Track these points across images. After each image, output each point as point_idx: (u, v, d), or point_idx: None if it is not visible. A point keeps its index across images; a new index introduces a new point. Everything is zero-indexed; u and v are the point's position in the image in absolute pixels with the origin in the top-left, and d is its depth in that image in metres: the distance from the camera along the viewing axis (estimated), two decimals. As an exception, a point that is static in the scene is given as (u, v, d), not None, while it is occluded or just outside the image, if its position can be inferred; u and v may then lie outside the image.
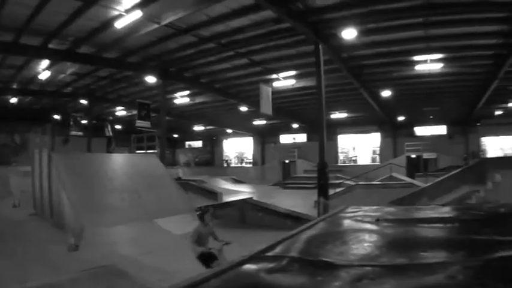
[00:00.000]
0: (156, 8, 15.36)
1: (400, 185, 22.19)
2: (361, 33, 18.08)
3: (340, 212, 5.10)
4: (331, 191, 20.85)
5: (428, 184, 19.55)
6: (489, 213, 4.80)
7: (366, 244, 3.18)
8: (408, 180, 25.29)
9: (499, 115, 40.49)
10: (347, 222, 4.30)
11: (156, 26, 16.69)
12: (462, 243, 3.10)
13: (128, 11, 15.25)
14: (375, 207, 5.75)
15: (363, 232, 3.64)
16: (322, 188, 16.94)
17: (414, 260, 2.46)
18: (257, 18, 17.11)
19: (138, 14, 15.11)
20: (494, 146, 44.60)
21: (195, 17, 16.81)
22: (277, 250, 3.02)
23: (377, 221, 4.16)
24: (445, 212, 5.26)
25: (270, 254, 2.92)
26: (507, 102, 35.68)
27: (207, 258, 7.70)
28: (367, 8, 16.33)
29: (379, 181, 25.21)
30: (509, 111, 38.60)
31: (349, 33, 17.63)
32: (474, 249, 2.77)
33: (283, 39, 19.39)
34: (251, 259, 2.79)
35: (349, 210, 5.29)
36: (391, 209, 5.74)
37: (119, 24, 16.01)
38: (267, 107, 20.95)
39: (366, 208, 5.53)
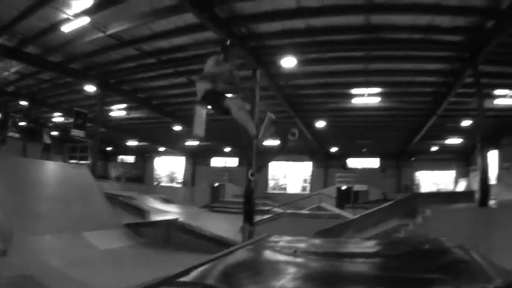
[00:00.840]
0: (104, 16, 15.06)
1: (328, 215, 22.24)
2: (301, 62, 18.27)
3: (261, 240, 5.10)
4: (258, 218, 20.83)
5: (356, 216, 19.76)
6: (414, 249, 4.88)
7: (280, 276, 3.17)
8: (336, 211, 25.32)
9: (435, 151, 41.67)
10: (266, 252, 4.31)
11: (101, 34, 16.37)
12: (383, 279, 3.13)
13: (76, 16, 14.88)
14: (296, 237, 5.78)
15: (280, 264, 3.64)
16: (248, 214, 16.84)
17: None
18: (200, 38, 17.07)
19: (85, 20, 14.79)
20: (428, 180, 45.70)
21: (139, 30, 16.64)
22: (192, 276, 2.98)
23: (295, 252, 4.18)
24: (369, 246, 5.32)
25: (183, 279, 2.89)
26: (443, 139, 36.60)
27: (215, 98, 7.20)
28: (310, 38, 16.60)
29: (307, 211, 25.23)
30: (445, 147, 39.70)
31: (289, 62, 17.85)
32: (394, 286, 2.80)
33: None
34: (163, 283, 2.75)
35: (271, 239, 5.30)
36: (314, 241, 5.78)
37: (66, 28, 15.63)
38: (200, 128, 20.76)
39: (288, 238, 5.55)
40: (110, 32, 16.23)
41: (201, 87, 7.10)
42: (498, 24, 14.61)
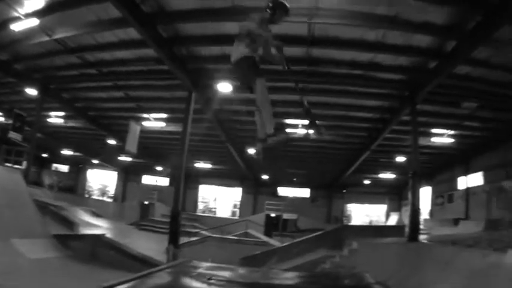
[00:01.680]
0: (52, 20, 14.75)
1: (254, 242, 22.03)
2: (237, 88, 18.14)
3: (180, 264, 5.10)
4: (185, 239, 20.68)
5: (283, 244, 19.80)
6: (334, 283, 4.95)
7: None
8: (263, 238, 25.30)
9: (367, 184, 42.36)
10: (181, 278, 4.31)
11: (47, 38, 15.94)
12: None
13: (26, 16, 14.46)
14: (216, 264, 5.79)
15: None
16: (173, 235, 16.72)
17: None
18: (141, 54, 17.06)
19: (35, 21, 14.44)
20: (360, 213, 46.43)
21: (84, 39, 16.40)
22: None
23: (209, 280, 4.20)
24: (288, 278, 5.37)
25: None
26: (377, 173, 37.59)
27: (247, 68, 6.31)
28: None
29: (234, 236, 24.98)
30: (378, 181, 40.81)
31: (225, 87, 17.99)
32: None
33: (161, 80, 19.44)
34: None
35: (190, 264, 5.30)
36: (233, 269, 5.80)
37: (16, 27, 15.14)
38: (132, 145, 20.66)
39: (207, 265, 5.57)
40: (56, 36, 15.92)
41: (238, 50, 6.37)
42: (441, 66, 15.28)
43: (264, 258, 17.15)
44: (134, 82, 20.36)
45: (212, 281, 4.18)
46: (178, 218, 17.14)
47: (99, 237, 15.49)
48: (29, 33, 15.79)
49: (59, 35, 15.83)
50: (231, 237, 24.15)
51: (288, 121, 22.80)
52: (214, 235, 25.09)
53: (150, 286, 3.63)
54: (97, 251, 14.48)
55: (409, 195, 17.72)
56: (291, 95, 19.24)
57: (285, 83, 17.88)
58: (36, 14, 14.32)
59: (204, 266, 5.22)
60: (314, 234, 20.39)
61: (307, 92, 19.00)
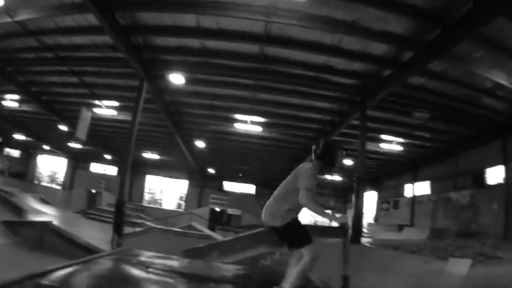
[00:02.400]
0: (16, 1, 14.44)
1: (198, 235, 22.12)
2: (190, 81, 18.35)
3: (121, 252, 5.23)
4: (130, 230, 20.65)
5: (226, 239, 19.88)
6: (271, 278, 5.13)
7: None
8: (207, 231, 25.35)
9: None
10: (121, 265, 4.45)
11: (8, 19, 15.42)
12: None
13: None
14: (156, 254, 5.95)
15: (129, 277, 3.81)
16: (118, 225, 16.46)
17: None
18: (98, 40, 16.77)
19: (0, 2, 14.04)
20: (305, 212, 46.40)
21: (45, 22, 15.98)
22: (46, 278, 3.10)
23: (147, 268, 4.36)
24: (225, 269, 5.54)
25: (35, 280, 3.00)
26: (323, 174, 37.25)
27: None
28: (202, 59, 16.74)
29: (178, 228, 25.02)
30: (323, 183, 40.11)
31: (177, 79, 17.83)
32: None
33: (115, 68, 19.19)
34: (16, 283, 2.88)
35: (131, 252, 5.44)
36: (172, 259, 5.96)
37: None
38: (82, 131, 20.34)
39: (148, 254, 5.74)
40: (17, 18, 15.44)
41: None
42: (395, 75, 15.56)
43: (206, 251, 17.20)
44: (89, 68, 20.02)
45: (150, 269, 4.33)
46: (123, 207, 16.74)
47: (46, 225, 15.34)
48: (-8, 14, 15.56)
49: (21, 16, 15.42)
50: (174, 229, 24.17)
51: (238, 116, 23.05)
52: (158, 226, 25.15)
53: (89, 272, 3.76)
54: (44, 239, 14.36)
55: (353, 199, 17.80)
56: (241, 90, 19.64)
57: (237, 79, 18.34)
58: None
59: (144, 255, 5.36)
60: (256, 230, 20.50)
61: (258, 89, 19.28)
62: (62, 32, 16.53)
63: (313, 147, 5.62)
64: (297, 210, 5.44)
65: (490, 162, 22.98)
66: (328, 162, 5.51)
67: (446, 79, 16.08)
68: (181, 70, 17.42)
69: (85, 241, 14.07)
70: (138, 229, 22.98)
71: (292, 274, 5.08)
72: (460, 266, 8.48)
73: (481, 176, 23.88)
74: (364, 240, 18.76)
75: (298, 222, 5.42)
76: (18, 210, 20.65)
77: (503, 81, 14.89)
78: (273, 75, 17.48)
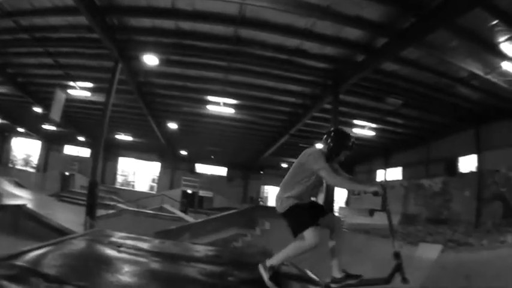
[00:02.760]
0: None
1: (170, 217, 22.04)
2: (163, 62, 18.20)
3: (93, 233, 5.33)
4: (103, 212, 20.63)
5: (197, 221, 19.96)
6: (239, 258, 5.25)
7: (95, 266, 3.46)
8: (179, 213, 25.29)
9: (285, 168, 41.60)
10: (94, 244, 4.55)
11: None
12: (191, 281, 3.44)
13: None
14: (128, 234, 6.04)
15: (101, 256, 3.92)
16: (91, 207, 16.29)
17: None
18: (73, 21, 16.47)
19: None
20: (275, 195, 46.47)
21: (21, 3, 15.62)
22: (19, 259, 3.19)
23: (119, 247, 4.48)
24: (194, 250, 5.66)
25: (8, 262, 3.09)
26: (295, 157, 37.10)
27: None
28: (176, 40, 16.67)
29: (150, 210, 24.99)
30: None
31: (151, 60, 17.63)
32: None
33: (90, 48, 18.90)
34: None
35: (104, 233, 5.54)
36: (143, 240, 6.07)
37: None
38: (57, 113, 20.05)
39: (119, 234, 5.81)
40: None
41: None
42: (368, 60, 15.64)
43: (178, 233, 17.33)
44: (64, 49, 19.66)
45: (122, 249, 4.44)
46: (95, 189, 16.63)
47: (20, 208, 15.28)
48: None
49: (-1, -1, 15.41)
50: (146, 211, 24.09)
51: (210, 98, 22.90)
52: (130, 208, 25.00)
53: (62, 253, 3.84)
54: (18, 222, 14.33)
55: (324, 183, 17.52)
56: (214, 72, 19.55)
57: (210, 61, 18.22)
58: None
59: (116, 236, 5.46)
60: (228, 212, 20.55)
61: (230, 71, 19.18)
62: (38, 12, 16.20)
63: (325, 135, 5.55)
64: (300, 196, 5.30)
65: (463, 150, 23.43)
66: (335, 151, 5.47)
67: (421, 67, 16.23)
68: (155, 51, 17.26)
69: (58, 224, 14.10)
70: (110, 211, 23.00)
71: (282, 251, 5.12)
72: (430, 252, 8.61)
73: (453, 164, 24.30)
74: None
75: (298, 208, 5.19)
76: (-8, 193, 20.55)
77: (478, 71, 15.16)
78: (246, 57, 17.41)
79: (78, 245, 4.47)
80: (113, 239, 5.13)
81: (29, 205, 16.69)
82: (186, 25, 15.47)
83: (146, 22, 15.79)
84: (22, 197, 25.06)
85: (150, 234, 14.70)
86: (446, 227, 17.76)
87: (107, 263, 3.69)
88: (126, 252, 4.34)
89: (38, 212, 15.29)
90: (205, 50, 17.15)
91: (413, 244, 9.67)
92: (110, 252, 4.22)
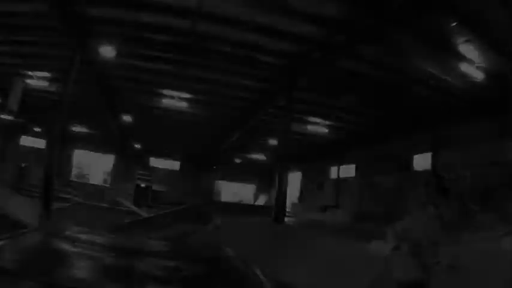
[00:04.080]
0: None
1: (124, 211, 22.05)
2: (120, 54, 17.66)
3: (47, 227, 5.32)
4: (60, 205, 20.34)
5: (150, 215, 19.90)
6: (195, 253, 5.30)
7: (50, 261, 3.47)
8: (133, 208, 25.34)
9: (239, 163, 42.43)
10: (48, 240, 4.56)
11: None
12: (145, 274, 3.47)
13: None
14: (81, 228, 6.04)
15: (56, 251, 3.94)
16: (46, 200, 15.94)
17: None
18: (34, 8, 15.40)
19: None
20: (229, 190, 46.52)
21: None
22: None
23: (74, 242, 4.51)
24: (148, 244, 5.69)
25: None
26: (248, 153, 37.61)
27: None
28: (133, 32, 16.26)
29: (104, 204, 24.87)
30: (248, 161, 40.83)
31: (108, 51, 17.19)
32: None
33: (50, 37, 18.06)
34: None
35: (57, 227, 5.55)
36: (97, 234, 6.09)
37: None
38: (14, 102, 19.68)
39: (74, 229, 5.83)
40: None
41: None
42: (323, 57, 15.39)
43: (132, 227, 17.30)
44: (23, 37, 18.78)
45: (77, 244, 4.46)
46: (51, 182, 15.97)
47: None
48: None
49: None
50: (102, 204, 23.86)
51: (166, 92, 22.78)
52: (86, 202, 24.82)
53: (16, 247, 3.83)
54: None
55: (276, 179, 17.52)
56: (170, 65, 19.15)
57: (166, 54, 17.89)
58: None
59: (71, 230, 5.46)
60: (180, 207, 20.48)
61: (185, 65, 18.83)
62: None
63: None
64: None
65: (418, 148, 23.54)
66: None
67: (378, 65, 16.11)
68: (113, 42, 16.80)
69: (14, 217, 13.89)
70: (66, 204, 22.66)
71: None
72: (381, 249, 8.64)
73: (407, 162, 24.36)
74: (288, 220, 18.84)
75: None
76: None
77: (436, 72, 15.55)
78: (203, 52, 17.09)
79: (34, 238, 4.45)
80: (68, 233, 5.12)
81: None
82: (145, 16, 15.01)
83: (108, 12, 15.23)
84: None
85: (104, 228, 14.68)
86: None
87: (62, 258, 3.68)
88: (81, 247, 4.34)
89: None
90: (162, 43, 16.82)
91: (365, 241, 9.79)
92: (65, 247, 4.21)
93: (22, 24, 17.50)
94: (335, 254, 8.63)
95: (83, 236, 5.20)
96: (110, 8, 14.86)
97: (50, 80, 23.11)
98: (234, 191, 47.19)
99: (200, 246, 10.16)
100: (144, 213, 22.52)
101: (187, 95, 22.99)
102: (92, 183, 44.38)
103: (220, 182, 47.08)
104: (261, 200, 39.86)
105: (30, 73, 22.71)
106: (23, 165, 41.14)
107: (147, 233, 16.55)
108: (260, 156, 37.97)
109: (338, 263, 7.95)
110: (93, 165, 46.86)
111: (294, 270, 8.29)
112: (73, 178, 44.60)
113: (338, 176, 32.34)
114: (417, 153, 23.77)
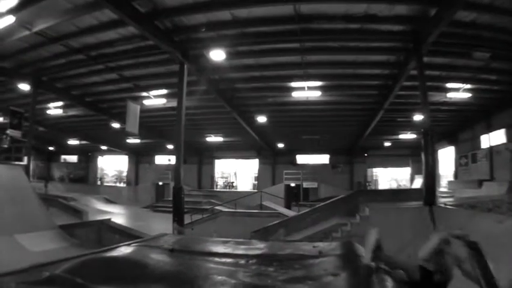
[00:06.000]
0: (28, 14, 15.11)
1: (267, 214, 22.40)
2: (231, 55, 18.37)
3: (152, 239, 5.60)
4: (199, 217, 21.27)
5: (294, 215, 20.04)
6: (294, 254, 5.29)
7: (136, 272, 3.68)
8: (279, 209, 25.63)
9: (388, 147, 41.56)
10: (144, 250, 4.80)
11: (27, 32, 16.39)
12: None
13: (1, 15, 14.75)
14: (195, 237, 6.26)
15: (147, 261, 4.15)
16: (177, 212, 16.88)
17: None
18: (125, 32, 17.31)
19: (11, 19, 14.77)
20: (387, 177, 46.12)
21: (64, 27, 16.74)
22: (59, 267, 3.47)
23: (171, 251, 4.69)
24: (260, 248, 5.75)
25: (48, 270, 3.37)
26: (396, 134, 36.79)
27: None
28: (236, 30, 16.83)
29: (246, 209, 25.51)
30: (398, 143, 39.91)
31: (217, 55, 17.83)
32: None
33: (151, 56, 19.54)
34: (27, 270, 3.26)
35: (163, 238, 5.81)
36: (211, 241, 6.27)
37: None
38: (133, 125, 20.72)
39: (179, 237, 6.08)
40: (35, 29, 16.37)
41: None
42: (441, 12, 14.59)
43: (275, 229, 17.58)
44: (125, 62, 20.64)
45: (173, 252, 4.66)
46: (180, 194, 17.13)
47: (103, 223, 16.10)
48: (9, 30, 16.21)
49: (38, 27, 16.27)
50: (242, 210, 24.58)
51: (293, 84, 22.89)
52: (226, 210, 25.62)
53: (103, 261, 4.06)
54: (102, 236, 15.09)
55: (423, 157, 16.63)
56: (288, 56, 19.63)
57: (279, 45, 18.39)
58: (11, 11, 14.65)
59: (178, 239, 5.68)
60: (327, 202, 20.42)
61: (305, 52, 18.95)
62: (85, 32, 17.21)
63: None
64: None
65: None
66: None
67: (497, 11, 14.79)
68: (219, 45, 17.42)
69: (141, 233, 14.60)
70: (205, 215, 23.60)
71: None
72: None
73: None
74: (442, 200, 18.00)
75: None
76: (78, 213, 21.84)
77: None
78: (315, 34, 17.12)
79: (125, 252, 4.71)
80: (171, 243, 5.30)
81: (119, 219, 17.53)
82: (242, 12, 15.54)
83: (199, 18, 16.06)
84: (111, 212, 26.17)
85: (247, 234, 15.11)
86: None
87: (151, 269, 3.85)
88: (177, 256, 4.50)
89: (121, 224, 16.08)
90: (268, 34, 17.12)
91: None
92: (158, 256, 4.40)
93: (120, 50, 19.01)
94: (489, 234, 8.20)
95: (182, 244, 5.37)
96: (201, 13, 15.70)
97: (167, 96, 24.61)
98: (389, 177, 46.73)
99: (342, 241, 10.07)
100: (291, 213, 22.72)
101: (316, 83, 22.87)
102: (239, 190, 45.66)
103: (374, 169, 46.61)
104: (417, 183, 38.70)
105: (145, 94, 24.09)
106: (160, 183, 43.39)
107: (292, 234, 16.70)
108: (409, 136, 36.65)
109: (491, 243, 7.53)
110: (239, 172, 48.64)
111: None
112: (219, 188, 46.64)
113: (489, 144, 30.47)
114: None
